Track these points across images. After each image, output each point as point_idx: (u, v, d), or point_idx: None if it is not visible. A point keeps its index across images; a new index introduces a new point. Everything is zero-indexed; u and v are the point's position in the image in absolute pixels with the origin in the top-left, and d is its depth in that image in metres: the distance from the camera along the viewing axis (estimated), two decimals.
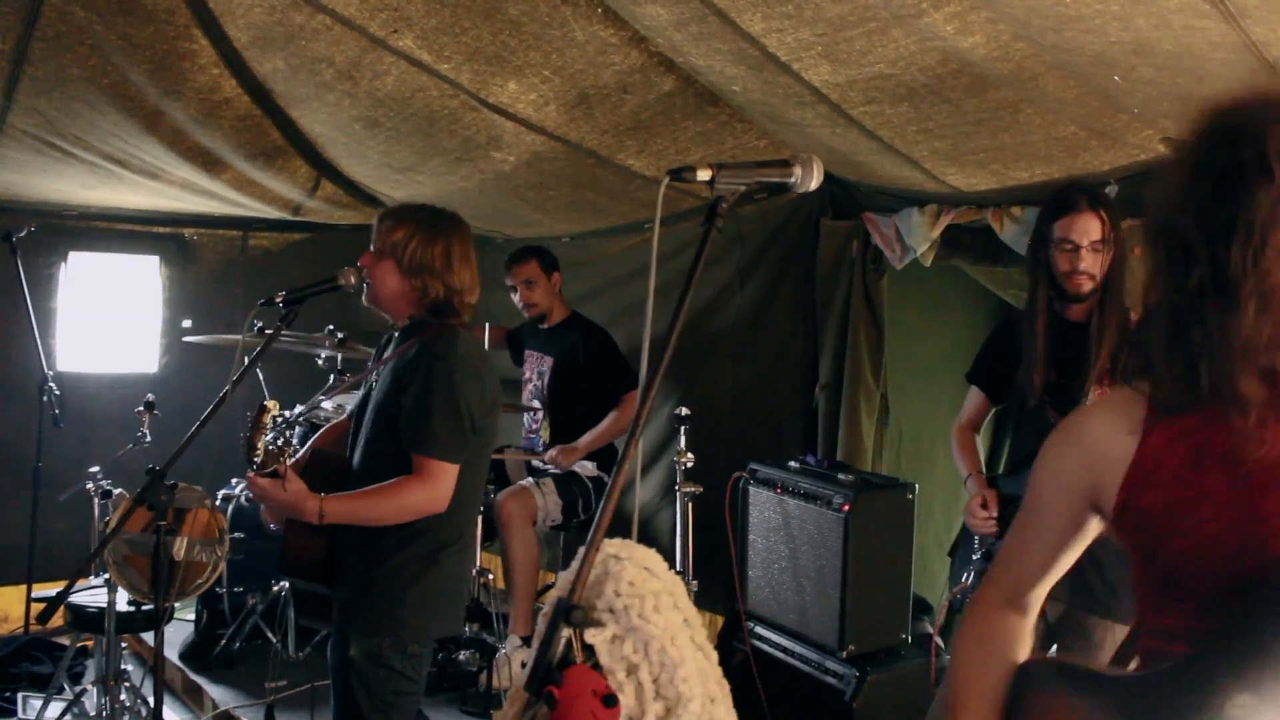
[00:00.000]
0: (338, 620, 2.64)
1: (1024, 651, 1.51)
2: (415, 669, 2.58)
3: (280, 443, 2.47)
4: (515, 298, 4.75)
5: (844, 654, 3.34)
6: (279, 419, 2.50)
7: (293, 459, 2.50)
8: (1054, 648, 2.87)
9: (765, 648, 3.62)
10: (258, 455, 2.45)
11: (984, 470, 3.04)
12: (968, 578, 2.88)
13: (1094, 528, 1.46)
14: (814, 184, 1.45)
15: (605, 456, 4.63)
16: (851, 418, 4.16)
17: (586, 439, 4.54)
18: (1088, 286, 2.73)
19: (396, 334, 2.76)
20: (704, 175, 1.40)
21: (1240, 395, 1.22)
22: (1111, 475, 1.35)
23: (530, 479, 4.53)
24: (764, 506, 3.67)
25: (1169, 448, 1.31)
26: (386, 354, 2.77)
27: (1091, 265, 2.72)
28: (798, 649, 3.51)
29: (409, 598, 2.55)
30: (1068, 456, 1.44)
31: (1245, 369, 1.21)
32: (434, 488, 2.50)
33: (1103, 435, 1.38)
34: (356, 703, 2.54)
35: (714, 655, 1.36)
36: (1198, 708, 1.17)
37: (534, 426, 4.86)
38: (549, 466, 4.58)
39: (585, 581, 1.26)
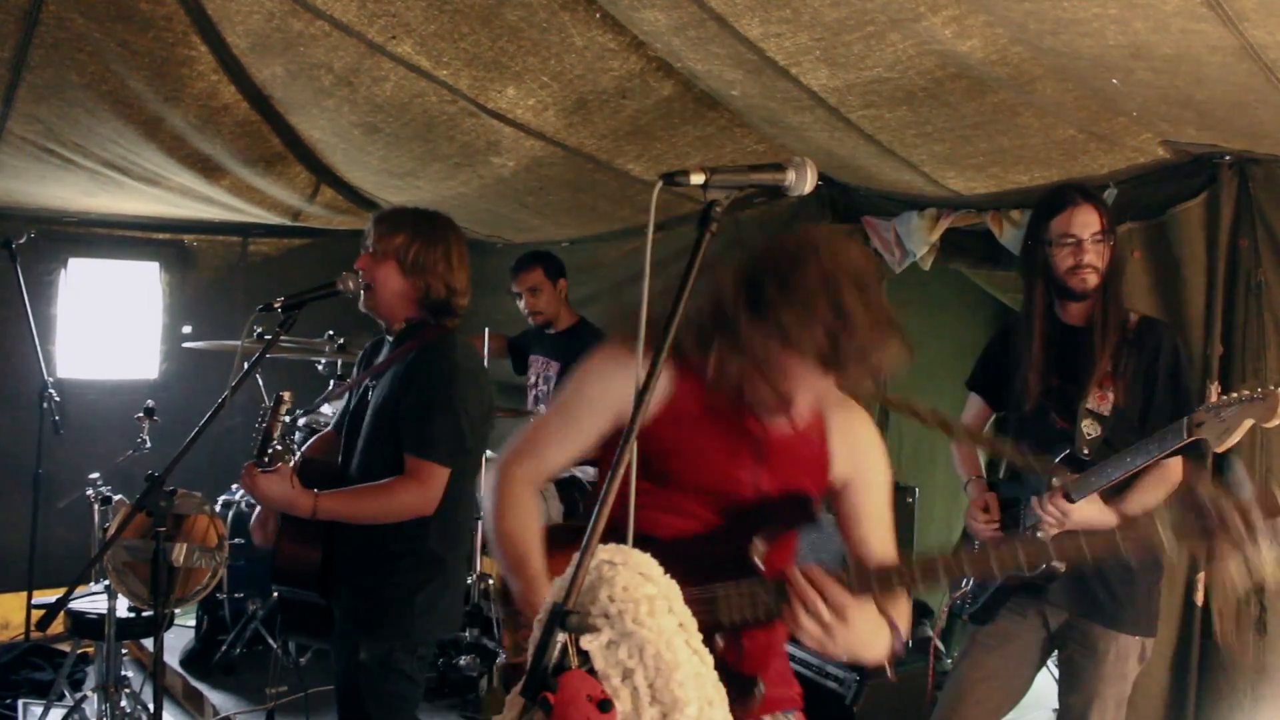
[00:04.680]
0: (342, 626, 2.66)
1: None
2: (419, 670, 2.64)
3: (286, 442, 2.50)
4: (521, 304, 4.75)
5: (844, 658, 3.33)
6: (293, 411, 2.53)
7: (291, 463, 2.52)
8: (1054, 654, 2.86)
9: None
10: (272, 447, 2.46)
11: (984, 475, 3.03)
12: (967, 583, 2.87)
13: None
14: (807, 187, 1.45)
15: None
16: None
17: None
18: (1093, 281, 2.69)
19: (390, 339, 2.76)
20: (697, 179, 1.40)
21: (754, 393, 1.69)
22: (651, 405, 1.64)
23: None
24: None
25: (691, 397, 1.73)
26: (379, 359, 2.77)
27: (1095, 258, 2.69)
28: (798, 653, 3.50)
29: (417, 603, 2.59)
30: (619, 378, 1.70)
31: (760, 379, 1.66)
32: (425, 489, 2.52)
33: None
34: (363, 706, 2.58)
35: (710, 659, 1.35)
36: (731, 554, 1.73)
37: None
38: None
39: (580, 587, 1.26)
